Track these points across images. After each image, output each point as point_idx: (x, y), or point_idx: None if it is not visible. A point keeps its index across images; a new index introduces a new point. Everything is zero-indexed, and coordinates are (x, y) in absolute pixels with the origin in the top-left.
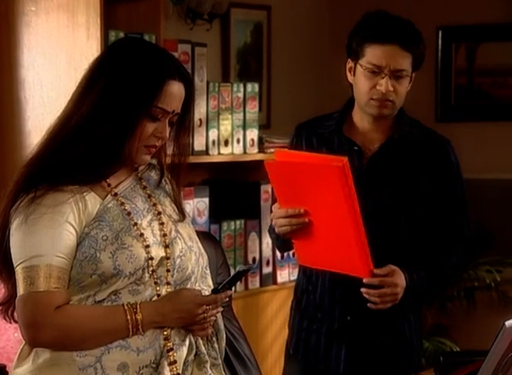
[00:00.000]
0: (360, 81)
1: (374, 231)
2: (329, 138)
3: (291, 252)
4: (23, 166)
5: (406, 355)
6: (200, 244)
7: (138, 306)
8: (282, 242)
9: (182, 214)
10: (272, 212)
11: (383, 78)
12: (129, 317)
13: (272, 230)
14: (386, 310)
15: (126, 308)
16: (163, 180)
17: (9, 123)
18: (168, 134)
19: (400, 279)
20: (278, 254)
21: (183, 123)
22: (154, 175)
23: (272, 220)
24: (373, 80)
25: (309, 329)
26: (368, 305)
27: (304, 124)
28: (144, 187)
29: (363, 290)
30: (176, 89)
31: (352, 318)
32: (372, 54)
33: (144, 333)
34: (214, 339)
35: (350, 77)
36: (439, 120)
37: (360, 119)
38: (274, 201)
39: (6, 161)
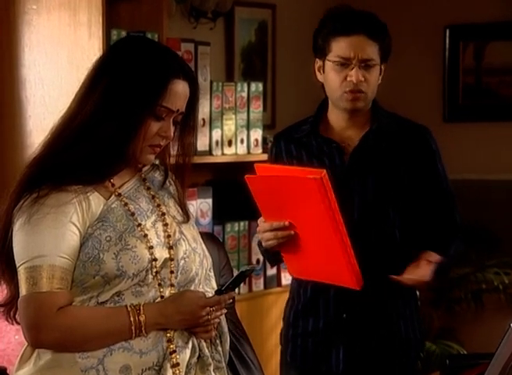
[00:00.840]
0: (330, 77)
1: (364, 227)
2: (307, 142)
3: None
4: (26, 166)
5: (403, 351)
6: (204, 246)
7: (141, 307)
8: (272, 255)
9: (186, 215)
10: (257, 225)
11: (353, 69)
12: (132, 318)
13: (260, 244)
14: (381, 306)
15: (129, 309)
16: (167, 181)
17: (10, 122)
18: (172, 134)
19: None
20: None
21: (188, 123)
22: (158, 176)
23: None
24: (343, 73)
25: (305, 333)
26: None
27: (281, 133)
28: (148, 188)
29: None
30: (181, 88)
31: (348, 315)
32: (339, 47)
33: (146, 334)
34: (217, 342)
35: (319, 77)
36: (446, 120)
37: (336, 117)
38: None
39: (7, 161)
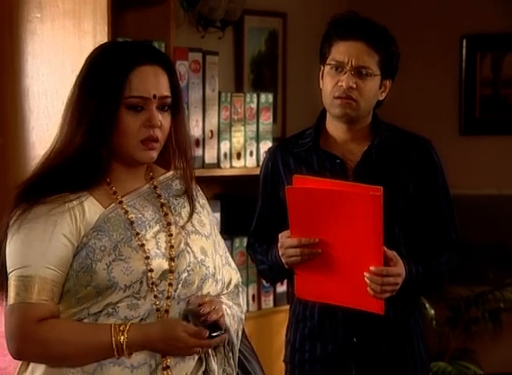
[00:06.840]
0: (325, 81)
1: None
2: (307, 157)
3: None
4: (16, 186)
5: (418, 371)
6: (223, 258)
7: (127, 327)
8: (282, 273)
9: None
10: (277, 241)
11: (345, 74)
12: (113, 338)
13: (263, 261)
14: (393, 327)
15: (112, 327)
16: (194, 193)
17: (13, 134)
18: (158, 121)
19: (402, 269)
20: None
21: (177, 116)
22: (174, 185)
23: (257, 252)
24: (336, 78)
25: (313, 358)
26: (368, 289)
27: (277, 146)
28: (159, 196)
29: (366, 274)
30: (148, 73)
31: (358, 339)
32: (336, 51)
33: (129, 356)
34: (230, 354)
35: (321, 84)
36: (463, 133)
37: (335, 128)
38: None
39: (10, 173)
